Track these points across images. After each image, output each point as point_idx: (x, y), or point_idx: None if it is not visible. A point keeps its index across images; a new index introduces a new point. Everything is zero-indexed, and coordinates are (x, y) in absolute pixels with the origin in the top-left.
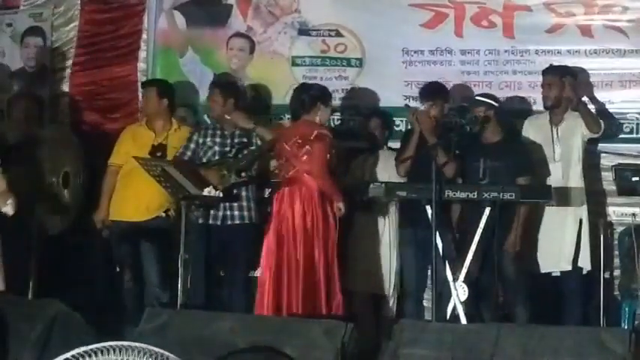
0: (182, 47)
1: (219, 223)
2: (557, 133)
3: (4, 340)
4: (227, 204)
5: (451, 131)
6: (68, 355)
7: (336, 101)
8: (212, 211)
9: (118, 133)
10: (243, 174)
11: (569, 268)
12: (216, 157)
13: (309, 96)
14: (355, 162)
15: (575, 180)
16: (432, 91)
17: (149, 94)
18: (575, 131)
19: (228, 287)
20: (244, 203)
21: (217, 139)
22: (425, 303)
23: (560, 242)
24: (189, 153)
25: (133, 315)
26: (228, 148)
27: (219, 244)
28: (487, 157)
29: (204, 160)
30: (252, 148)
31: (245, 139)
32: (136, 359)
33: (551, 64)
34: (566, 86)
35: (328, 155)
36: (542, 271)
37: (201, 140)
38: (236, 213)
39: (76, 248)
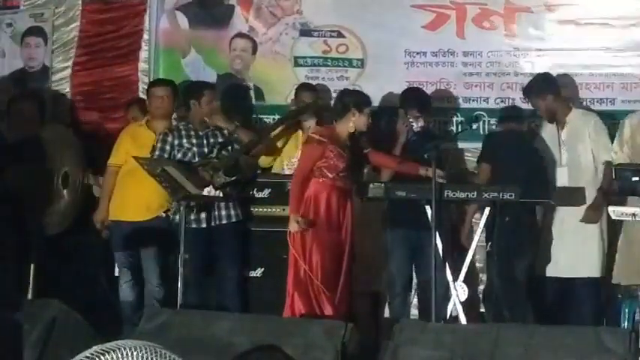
0: (185, 48)
1: (213, 224)
2: (562, 137)
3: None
4: (215, 204)
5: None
6: (87, 353)
7: None
8: (202, 214)
9: (118, 133)
10: (232, 173)
11: (594, 274)
12: (197, 158)
13: (342, 102)
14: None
15: (585, 184)
16: (423, 103)
17: (166, 93)
18: (579, 133)
19: (223, 287)
20: (230, 202)
21: (194, 140)
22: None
23: (563, 247)
24: (165, 155)
25: (132, 315)
26: (206, 149)
27: (210, 244)
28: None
29: (185, 161)
30: (236, 147)
31: (221, 139)
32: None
33: (523, 88)
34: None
35: (321, 160)
36: (549, 275)
37: (176, 142)
38: (223, 213)
39: (75, 248)
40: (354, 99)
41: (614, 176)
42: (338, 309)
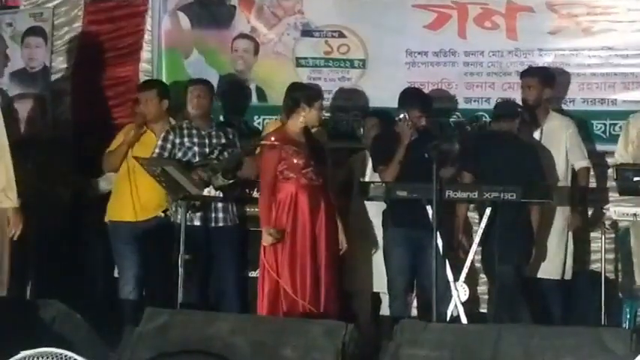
0: (187, 48)
1: (210, 225)
2: (540, 135)
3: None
4: (213, 206)
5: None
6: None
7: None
8: (199, 214)
9: (119, 132)
10: (230, 176)
11: (557, 277)
12: (197, 158)
13: (291, 98)
14: (351, 161)
15: (561, 182)
16: (424, 103)
17: (149, 96)
18: (555, 138)
19: (222, 288)
20: (228, 205)
21: (195, 139)
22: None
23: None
24: (165, 153)
25: (132, 315)
26: (207, 149)
27: (208, 245)
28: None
29: (184, 160)
30: (236, 150)
31: (224, 140)
32: None
33: (529, 66)
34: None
35: (280, 164)
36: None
37: (177, 140)
38: (220, 215)
39: (75, 248)
40: (304, 93)
41: (615, 176)
42: (325, 311)
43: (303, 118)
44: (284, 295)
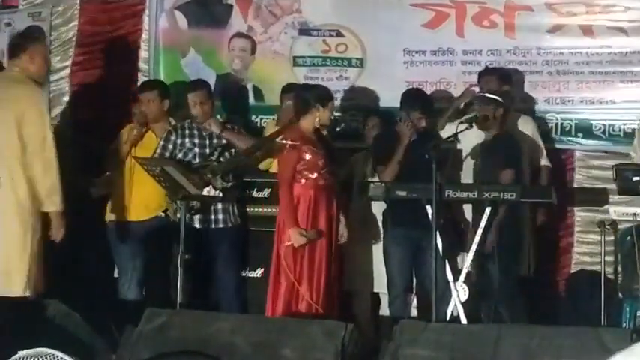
0: (184, 47)
1: (209, 227)
2: None
3: None
4: (212, 208)
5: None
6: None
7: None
8: (199, 215)
9: (117, 131)
10: (229, 178)
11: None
12: (197, 159)
13: (304, 98)
14: (353, 161)
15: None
16: (425, 104)
17: (151, 97)
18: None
19: (222, 288)
20: (228, 206)
21: (196, 140)
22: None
23: None
24: (167, 154)
25: (132, 315)
26: (208, 150)
27: (208, 245)
28: (483, 153)
29: (185, 161)
30: (236, 153)
31: (224, 141)
32: None
33: (486, 66)
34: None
35: (299, 163)
36: None
37: (179, 141)
38: (220, 217)
39: (75, 248)
40: (317, 93)
41: (614, 176)
42: (328, 313)
43: (318, 118)
44: (301, 297)
